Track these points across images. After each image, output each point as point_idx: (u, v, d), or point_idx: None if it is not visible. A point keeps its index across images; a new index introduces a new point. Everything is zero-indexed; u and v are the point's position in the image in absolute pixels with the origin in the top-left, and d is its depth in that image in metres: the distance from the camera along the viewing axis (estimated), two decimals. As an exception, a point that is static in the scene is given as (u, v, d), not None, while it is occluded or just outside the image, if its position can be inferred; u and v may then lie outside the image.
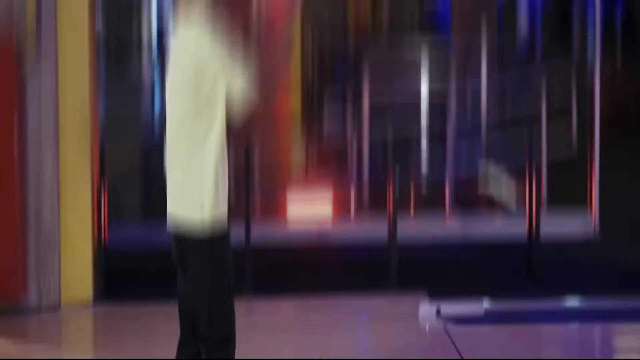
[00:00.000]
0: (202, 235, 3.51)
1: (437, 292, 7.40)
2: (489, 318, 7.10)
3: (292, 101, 9.49)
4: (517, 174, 8.52)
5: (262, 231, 8.03)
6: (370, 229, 8.61)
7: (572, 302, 7.34)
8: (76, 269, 6.73)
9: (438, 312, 7.10)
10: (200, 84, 3.50)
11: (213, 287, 3.55)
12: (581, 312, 7.25)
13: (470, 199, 10.33)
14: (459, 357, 6.25)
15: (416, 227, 8.79)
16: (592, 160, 8.39)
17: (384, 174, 7.97)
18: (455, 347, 6.43)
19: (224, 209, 3.53)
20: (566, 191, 9.13)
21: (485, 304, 7.19)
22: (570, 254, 8.41)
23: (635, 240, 8.43)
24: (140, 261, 7.80)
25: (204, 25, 3.59)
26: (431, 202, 9.50)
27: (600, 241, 8.58)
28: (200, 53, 3.54)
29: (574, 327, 7.05)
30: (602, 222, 8.53)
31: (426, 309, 7.14)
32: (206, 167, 3.50)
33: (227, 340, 3.61)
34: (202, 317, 3.58)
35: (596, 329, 7.04)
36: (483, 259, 8.53)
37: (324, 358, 6.16)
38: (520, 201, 8.33)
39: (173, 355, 3.80)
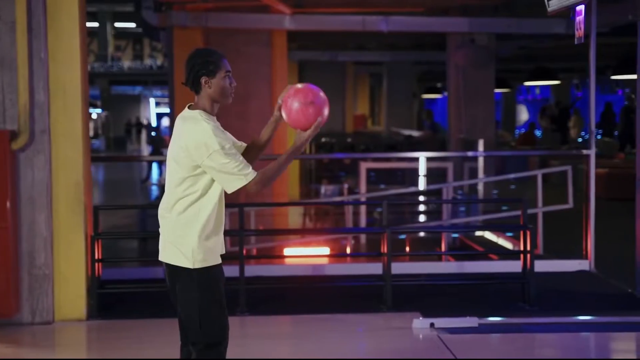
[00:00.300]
0: (182, 267, 4.27)
1: (432, 311, 7.54)
2: (482, 329, 7.20)
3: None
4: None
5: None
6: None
7: (566, 318, 7.49)
8: (70, 294, 7.59)
9: (432, 325, 7.24)
10: (185, 161, 4.21)
11: (198, 307, 4.24)
12: (574, 324, 7.34)
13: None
14: (454, 357, 6.39)
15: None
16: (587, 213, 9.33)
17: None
18: (449, 349, 6.57)
19: (200, 249, 4.23)
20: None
21: (478, 320, 7.29)
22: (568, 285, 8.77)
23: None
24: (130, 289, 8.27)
25: (204, 115, 4.26)
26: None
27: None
28: (190, 138, 4.20)
29: (566, 335, 7.11)
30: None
31: (419, 322, 7.27)
32: (177, 222, 4.27)
33: (216, 345, 4.28)
34: (192, 328, 4.28)
35: (587, 337, 7.13)
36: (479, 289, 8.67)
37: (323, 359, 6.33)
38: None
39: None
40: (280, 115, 4.45)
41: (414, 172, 13.03)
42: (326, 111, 4.35)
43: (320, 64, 22.04)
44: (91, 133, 42.27)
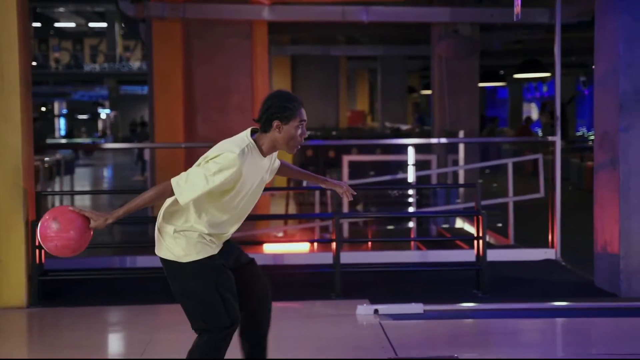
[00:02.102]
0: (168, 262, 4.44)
1: (381, 299, 7.38)
2: (427, 315, 7.03)
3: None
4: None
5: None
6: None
7: (513, 304, 7.32)
8: (10, 281, 7.48)
9: (376, 311, 7.08)
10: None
11: (179, 295, 4.43)
12: (521, 310, 7.17)
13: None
14: (388, 343, 6.23)
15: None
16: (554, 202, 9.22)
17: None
18: (386, 335, 6.41)
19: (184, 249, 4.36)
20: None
21: (424, 307, 7.12)
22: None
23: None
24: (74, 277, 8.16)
25: (246, 148, 4.30)
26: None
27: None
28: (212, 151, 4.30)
29: (510, 321, 6.94)
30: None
31: (364, 308, 7.12)
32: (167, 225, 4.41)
33: (209, 331, 4.38)
34: (190, 317, 4.45)
35: (532, 323, 6.95)
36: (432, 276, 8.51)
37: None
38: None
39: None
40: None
41: (403, 164, 12.92)
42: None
43: (313, 59, 21.89)
44: (99, 133, 42.52)
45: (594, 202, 8.07)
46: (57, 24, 41.90)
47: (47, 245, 4.23)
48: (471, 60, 14.78)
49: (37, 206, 7.65)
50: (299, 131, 4.38)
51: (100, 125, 47.33)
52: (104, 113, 46.29)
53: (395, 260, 8.93)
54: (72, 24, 42.16)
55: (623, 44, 7.45)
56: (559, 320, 7.09)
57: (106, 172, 27.24)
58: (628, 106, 7.46)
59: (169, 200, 4.39)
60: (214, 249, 4.42)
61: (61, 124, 46.13)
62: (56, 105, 45.91)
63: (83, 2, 30.79)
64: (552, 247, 9.19)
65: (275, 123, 4.34)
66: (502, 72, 25.18)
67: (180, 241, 4.35)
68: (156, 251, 4.47)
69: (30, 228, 7.45)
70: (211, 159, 4.24)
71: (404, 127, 20.03)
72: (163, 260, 4.43)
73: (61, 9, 37.13)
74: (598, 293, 7.78)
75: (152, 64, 13.61)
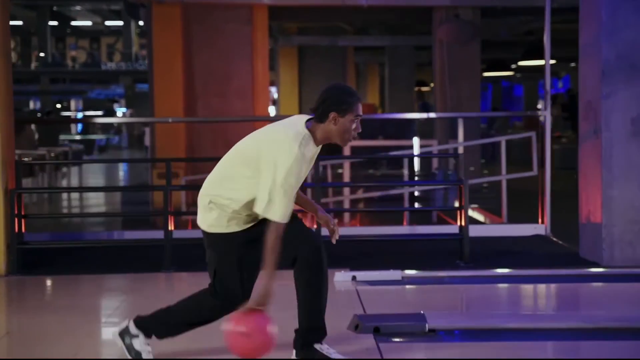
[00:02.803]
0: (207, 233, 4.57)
1: (362, 268, 7.32)
2: (404, 282, 6.99)
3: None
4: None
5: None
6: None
7: (491, 271, 7.28)
8: None
9: (354, 278, 7.04)
10: (243, 163, 4.41)
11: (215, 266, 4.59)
12: (499, 277, 7.12)
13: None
14: (361, 306, 6.21)
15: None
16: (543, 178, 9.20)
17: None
18: (360, 299, 6.38)
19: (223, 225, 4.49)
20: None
21: (402, 273, 7.07)
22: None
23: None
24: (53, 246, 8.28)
25: (304, 139, 4.37)
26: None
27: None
28: (265, 148, 4.36)
29: (487, 286, 6.90)
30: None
31: (342, 275, 7.07)
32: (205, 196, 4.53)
33: (224, 299, 4.57)
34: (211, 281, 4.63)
35: (507, 288, 6.91)
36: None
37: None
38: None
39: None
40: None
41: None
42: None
43: (320, 50, 21.83)
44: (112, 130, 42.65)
45: (579, 173, 8.00)
46: (73, 23, 42.06)
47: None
48: (472, 45, 14.71)
49: (17, 175, 7.63)
50: (354, 125, 4.47)
51: (115, 124, 47.42)
52: (120, 111, 46.41)
53: (381, 233, 8.89)
54: (88, 23, 42.32)
55: (605, 10, 7.39)
56: (534, 285, 7.04)
57: (119, 168, 27.30)
58: (610, 73, 7.39)
59: (214, 172, 4.52)
60: (245, 225, 4.51)
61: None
62: (72, 103, 46.08)
63: (99, 0, 30.96)
64: (542, 222, 9.11)
65: (332, 115, 4.42)
66: (513, 66, 25.06)
67: (213, 213, 4.48)
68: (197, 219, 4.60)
69: (9, 197, 7.45)
70: (274, 164, 4.30)
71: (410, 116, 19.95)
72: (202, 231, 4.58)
73: (78, 8, 37.32)
74: (580, 263, 7.70)
75: (151, 49, 13.64)
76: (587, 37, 7.73)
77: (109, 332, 5.12)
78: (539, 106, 36.02)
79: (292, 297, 4.64)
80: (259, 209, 4.35)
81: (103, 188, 18.35)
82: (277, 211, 4.32)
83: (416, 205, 12.86)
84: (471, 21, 14.25)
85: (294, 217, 4.55)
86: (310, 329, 4.65)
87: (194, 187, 11.05)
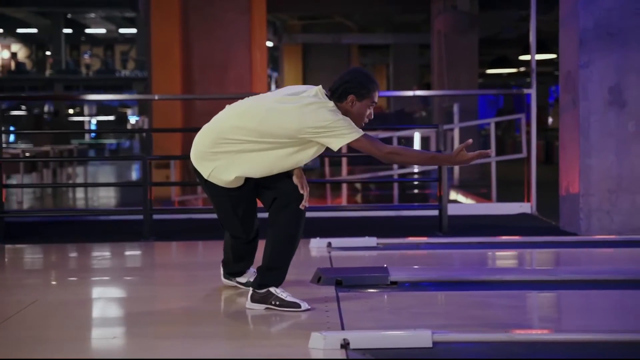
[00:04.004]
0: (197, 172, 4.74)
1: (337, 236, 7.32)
2: (379, 248, 6.97)
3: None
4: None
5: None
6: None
7: (467, 238, 7.27)
8: None
9: (329, 244, 7.03)
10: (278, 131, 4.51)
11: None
12: (473, 244, 7.10)
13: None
14: (329, 262, 6.22)
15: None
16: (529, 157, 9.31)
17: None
18: (330, 259, 6.39)
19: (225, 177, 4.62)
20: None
21: (377, 240, 7.06)
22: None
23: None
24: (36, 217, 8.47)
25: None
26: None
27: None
28: (310, 119, 4.47)
29: (462, 252, 6.89)
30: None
31: (317, 241, 7.07)
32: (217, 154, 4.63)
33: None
34: None
35: (478, 252, 6.89)
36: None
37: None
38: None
39: None
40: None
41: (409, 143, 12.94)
42: None
43: (324, 48, 21.88)
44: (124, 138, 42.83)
45: (559, 145, 7.99)
46: (88, 30, 42.32)
47: None
48: (470, 36, 14.71)
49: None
50: (368, 111, 4.64)
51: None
52: (133, 119, 46.59)
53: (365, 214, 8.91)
54: (102, 30, 42.57)
55: (583, -22, 7.39)
56: (506, 250, 7.03)
57: (132, 168, 27.42)
58: (588, 42, 7.39)
59: (228, 143, 4.58)
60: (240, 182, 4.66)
61: (91, 126, 46.44)
62: (86, 109, 46.32)
63: (111, 8, 31.12)
64: (528, 201, 9.10)
65: (350, 97, 4.57)
66: (523, 68, 25.03)
67: (210, 163, 4.60)
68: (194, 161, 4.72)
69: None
70: (329, 125, 4.45)
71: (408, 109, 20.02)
72: (195, 170, 4.70)
73: (92, 15, 37.55)
74: (558, 234, 7.68)
75: (149, 38, 13.70)
76: (566, 7, 7.73)
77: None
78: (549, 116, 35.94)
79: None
80: (336, 147, 4.50)
81: (83, 184, 18.38)
82: (347, 134, 4.45)
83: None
84: (469, 12, 14.24)
85: (284, 173, 4.70)
86: (271, 269, 4.68)
87: (171, 157, 11.12)
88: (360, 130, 4.52)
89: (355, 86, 4.58)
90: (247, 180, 4.66)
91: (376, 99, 4.67)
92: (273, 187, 4.70)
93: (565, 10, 7.74)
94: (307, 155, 4.60)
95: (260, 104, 4.59)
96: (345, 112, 4.57)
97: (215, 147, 4.58)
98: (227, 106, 4.73)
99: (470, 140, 4.60)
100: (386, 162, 4.64)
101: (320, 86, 4.67)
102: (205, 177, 4.65)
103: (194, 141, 4.72)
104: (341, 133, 4.45)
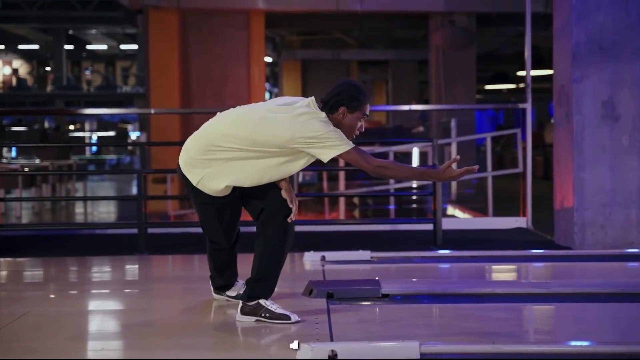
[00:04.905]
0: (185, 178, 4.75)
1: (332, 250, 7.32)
2: (374, 262, 6.97)
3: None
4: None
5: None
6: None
7: (460, 252, 7.27)
8: None
9: (323, 258, 7.04)
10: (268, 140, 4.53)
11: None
12: (467, 257, 7.10)
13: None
14: (322, 274, 6.23)
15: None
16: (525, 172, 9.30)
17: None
18: (323, 272, 6.40)
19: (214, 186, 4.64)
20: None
21: (371, 254, 7.06)
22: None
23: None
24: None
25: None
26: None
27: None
28: (302, 130, 4.50)
29: (457, 265, 6.90)
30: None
31: (310, 255, 7.07)
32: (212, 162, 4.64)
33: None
34: None
35: (473, 266, 6.89)
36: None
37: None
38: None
39: None
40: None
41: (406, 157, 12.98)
42: None
43: (323, 64, 21.95)
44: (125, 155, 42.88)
45: (554, 159, 8.00)
46: (89, 46, 42.43)
47: None
48: (467, 51, 14.75)
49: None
50: (359, 124, 4.66)
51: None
52: (134, 135, 46.65)
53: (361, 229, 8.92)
54: (104, 46, 42.69)
55: (575, -8, 7.42)
56: (500, 264, 7.04)
57: (132, 183, 27.45)
58: (581, 56, 7.42)
59: (219, 152, 4.58)
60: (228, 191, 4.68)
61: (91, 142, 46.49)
62: (87, 124, 46.39)
63: (112, 24, 31.22)
64: (524, 215, 9.11)
65: (342, 109, 4.59)
66: (523, 84, 25.03)
67: (200, 170, 4.61)
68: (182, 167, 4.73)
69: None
70: (320, 136, 4.47)
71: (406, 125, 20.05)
72: (184, 176, 4.71)
73: (93, 32, 37.66)
74: (553, 248, 7.68)
75: (148, 54, 13.75)
76: (559, 22, 7.76)
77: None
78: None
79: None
80: (326, 159, 4.50)
81: (79, 197, 18.39)
82: (337, 146, 4.46)
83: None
84: (466, 28, 14.29)
85: (273, 184, 4.71)
86: (259, 281, 4.68)
87: (167, 171, 11.14)
88: (351, 142, 4.53)
89: (347, 98, 4.60)
90: (234, 189, 4.68)
91: (367, 112, 4.69)
92: (261, 197, 4.72)
93: (559, 24, 7.77)
94: (297, 166, 4.62)
95: (252, 112, 4.61)
96: (336, 124, 4.59)
97: (206, 154, 4.59)
98: (219, 113, 4.75)
99: (458, 157, 4.65)
100: (375, 175, 4.65)
101: (312, 97, 4.69)
102: (194, 184, 4.66)
103: (183, 147, 4.73)
104: (332, 144, 4.46)
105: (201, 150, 4.60)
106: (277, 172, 4.61)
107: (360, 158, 4.52)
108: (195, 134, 4.71)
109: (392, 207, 11.09)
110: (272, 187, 4.73)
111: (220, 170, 4.59)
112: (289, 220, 4.72)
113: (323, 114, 4.56)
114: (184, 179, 4.73)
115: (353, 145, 4.52)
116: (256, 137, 4.50)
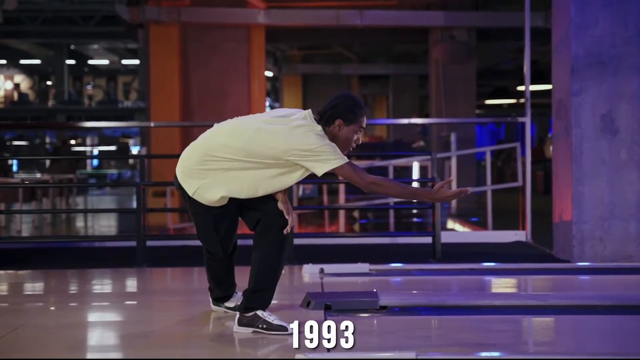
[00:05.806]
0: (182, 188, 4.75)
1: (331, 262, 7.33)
2: (371, 274, 6.97)
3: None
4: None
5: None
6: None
7: (458, 265, 7.27)
8: None
9: (321, 270, 7.04)
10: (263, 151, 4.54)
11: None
12: (465, 270, 7.10)
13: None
14: (320, 287, 6.22)
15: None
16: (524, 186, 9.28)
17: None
18: (322, 284, 6.40)
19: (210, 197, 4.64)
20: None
21: (370, 266, 7.06)
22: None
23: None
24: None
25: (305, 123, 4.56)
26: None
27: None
28: (297, 142, 4.50)
29: (455, 278, 6.89)
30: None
31: (309, 267, 7.07)
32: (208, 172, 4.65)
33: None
34: None
35: (469, 279, 6.89)
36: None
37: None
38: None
39: None
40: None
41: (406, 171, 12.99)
42: None
43: (324, 78, 21.99)
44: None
45: (553, 173, 8.01)
46: (90, 61, 42.51)
47: None
48: (467, 65, 14.79)
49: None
50: (355, 136, 4.66)
51: (131, 160, 47.68)
52: (135, 149, 46.70)
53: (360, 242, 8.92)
54: (105, 61, 42.77)
55: (574, 6, 7.44)
56: (498, 277, 7.02)
57: (133, 198, 27.47)
58: (579, 70, 7.43)
59: (215, 162, 4.60)
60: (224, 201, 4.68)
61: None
62: (88, 139, 46.48)
63: (114, 39, 31.29)
64: (523, 229, 9.12)
65: (338, 122, 4.60)
66: (523, 100, 25.07)
67: (196, 181, 4.62)
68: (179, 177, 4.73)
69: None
70: (315, 149, 4.48)
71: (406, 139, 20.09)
72: (180, 186, 4.72)
73: (95, 47, 37.74)
74: (551, 261, 7.68)
75: (148, 68, 13.78)
76: (558, 35, 7.78)
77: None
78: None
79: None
80: (320, 173, 4.51)
81: (78, 210, 18.37)
82: (331, 160, 4.47)
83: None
84: (466, 42, 14.33)
85: (270, 196, 4.72)
86: (256, 292, 4.69)
87: (167, 184, 11.13)
88: (345, 157, 4.54)
89: (343, 111, 4.61)
90: (231, 199, 4.68)
91: (364, 124, 4.70)
92: (258, 209, 4.73)
93: (558, 38, 7.79)
94: (292, 179, 4.62)
95: (249, 123, 4.62)
96: (332, 136, 4.60)
97: (203, 164, 4.60)
98: (216, 124, 4.76)
99: (452, 178, 4.66)
100: (367, 191, 4.66)
101: (309, 110, 4.70)
102: (190, 194, 4.67)
103: (180, 157, 4.74)
104: (326, 158, 4.47)
105: (198, 160, 4.61)
106: (273, 183, 4.62)
107: (353, 173, 4.53)
108: (192, 144, 4.72)
109: (391, 220, 11.08)
110: (268, 199, 4.74)
111: (216, 180, 4.60)
112: (285, 232, 4.73)
113: (319, 127, 4.57)
114: (181, 189, 4.74)
115: (347, 160, 4.52)
116: (252, 148, 4.52)
